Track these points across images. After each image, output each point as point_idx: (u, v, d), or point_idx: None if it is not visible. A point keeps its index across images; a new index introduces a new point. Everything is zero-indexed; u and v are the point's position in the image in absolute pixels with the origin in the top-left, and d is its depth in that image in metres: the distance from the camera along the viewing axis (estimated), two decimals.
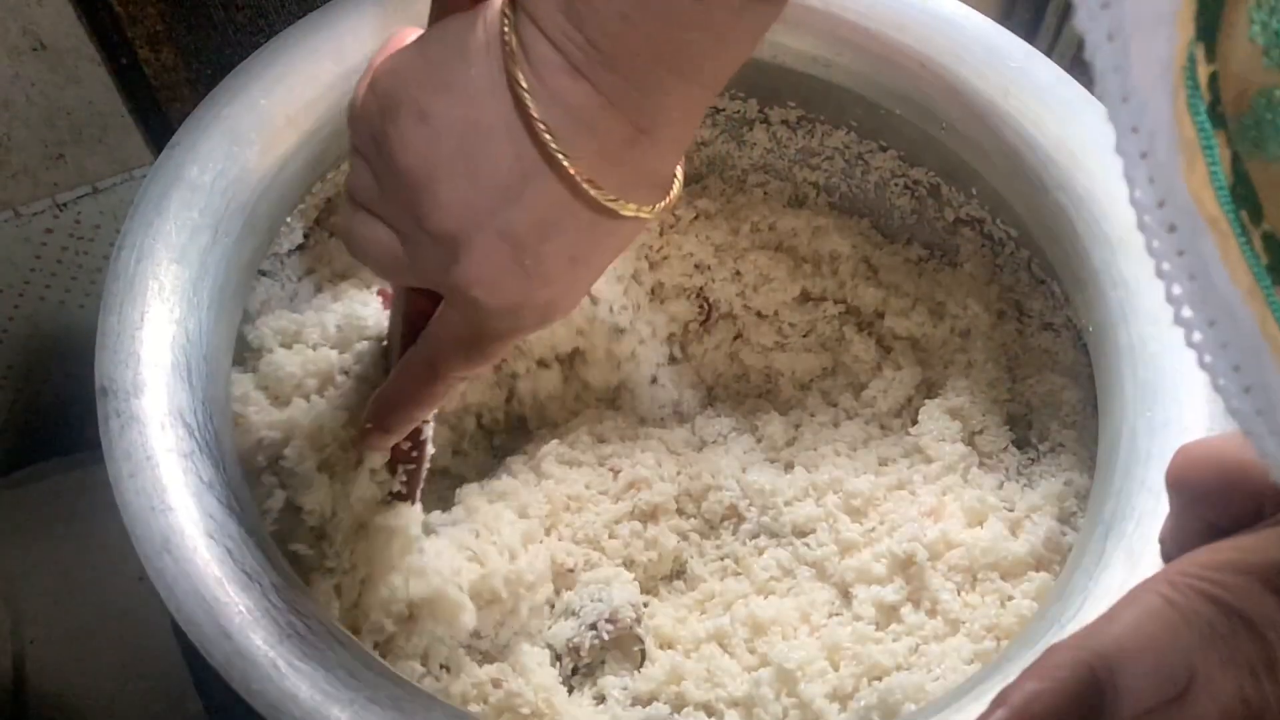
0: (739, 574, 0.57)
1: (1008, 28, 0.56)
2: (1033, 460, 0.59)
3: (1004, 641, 0.50)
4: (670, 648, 0.54)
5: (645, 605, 0.56)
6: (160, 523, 0.41)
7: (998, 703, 0.31)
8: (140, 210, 0.48)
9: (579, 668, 0.53)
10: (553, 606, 0.55)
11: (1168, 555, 0.39)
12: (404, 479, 0.50)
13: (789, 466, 0.61)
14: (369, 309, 0.53)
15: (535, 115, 0.35)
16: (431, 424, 0.50)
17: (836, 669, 0.51)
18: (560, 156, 0.35)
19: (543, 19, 0.34)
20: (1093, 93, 0.49)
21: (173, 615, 0.40)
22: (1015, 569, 0.52)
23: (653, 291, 0.65)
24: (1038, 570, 0.53)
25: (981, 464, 0.59)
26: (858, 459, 0.60)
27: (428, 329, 0.42)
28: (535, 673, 0.50)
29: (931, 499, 0.56)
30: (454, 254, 0.37)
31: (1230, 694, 0.30)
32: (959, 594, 0.53)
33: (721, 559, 0.58)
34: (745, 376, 0.66)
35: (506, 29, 0.35)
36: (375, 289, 0.55)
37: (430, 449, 0.50)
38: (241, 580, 0.41)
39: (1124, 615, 0.32)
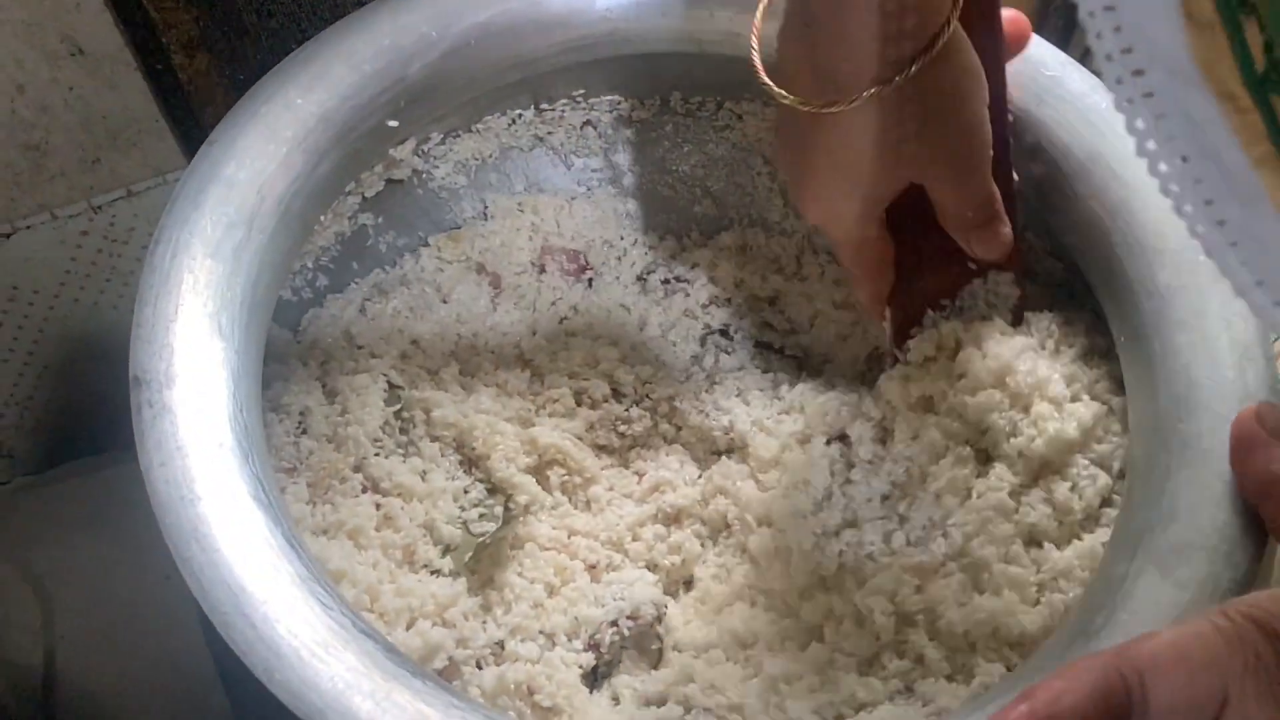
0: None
1: (1041, 36, 0.56)
2: None
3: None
4: (681, 651, 0.54)
5: (665, 607, 0.55)
6: (189, 512, 0.42)
7: (1022, 698, 0.31)
8: (177, 206, 0.48)
9: (599, 666, 0.53)
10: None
11: None
12: None
13: None
14: None
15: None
16: None
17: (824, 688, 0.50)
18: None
19: None
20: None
21: (198, 603, 0.40)
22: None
23: None
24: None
25: None
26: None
27: None
28: (559, 669, 0.50)
29: None
30: None
31: None
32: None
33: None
34: None
35: None
36: None
37: None
38: (267, 570, 0.41)
39: (1167, 633, 0.32)
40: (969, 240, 0.53)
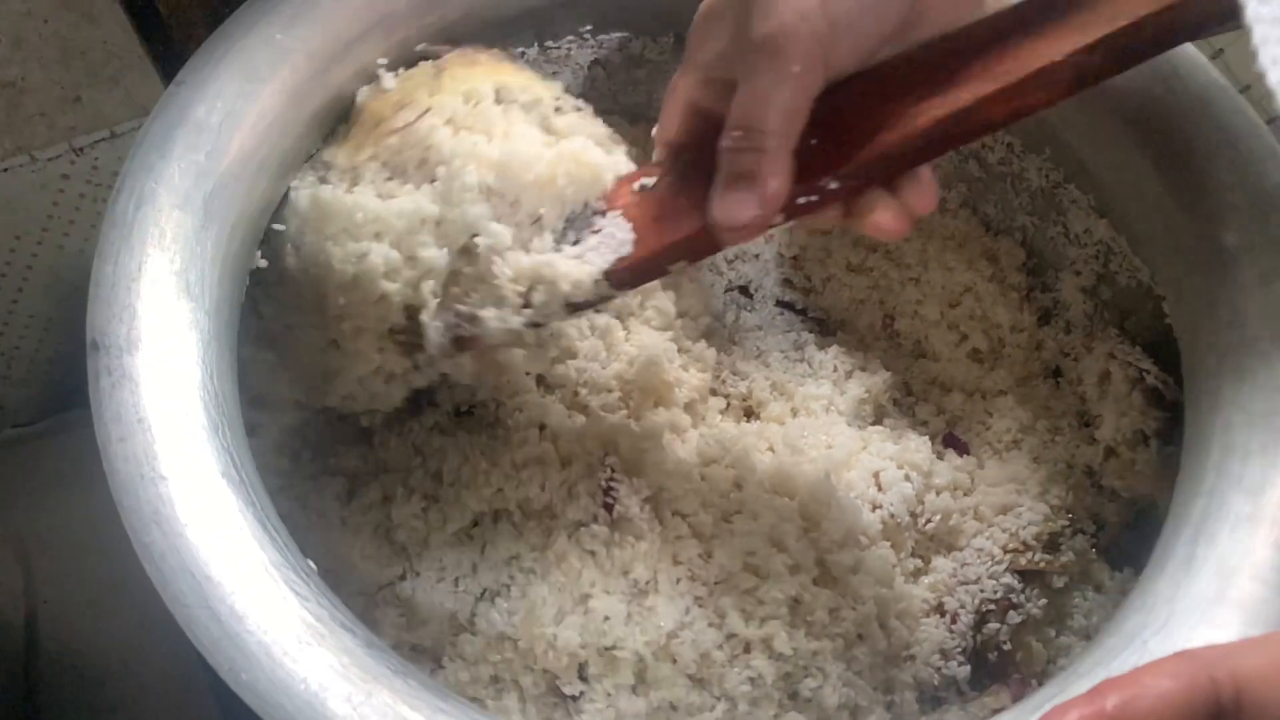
0: None
1: None
2: None
3: None
4: None
5: None
6: (150, 492, 0.37)
7: (1102, 691, 0.27)
8: (141, 152, 0.43)
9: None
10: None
11: None
12: None
13: None
14: None
15: None
16: None
17: None
18: None
19: None
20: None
21: (160, 593, 0.36)
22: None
23: None
24: None
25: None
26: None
27: None
28: None
29: None
30: None
31: None
32: None
33: None
34: None
35: None
36: None
37: None
38: (236, 557, 0.37)
39: (1272, 645, 0.27)
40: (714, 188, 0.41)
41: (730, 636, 0.47)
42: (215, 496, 0.38)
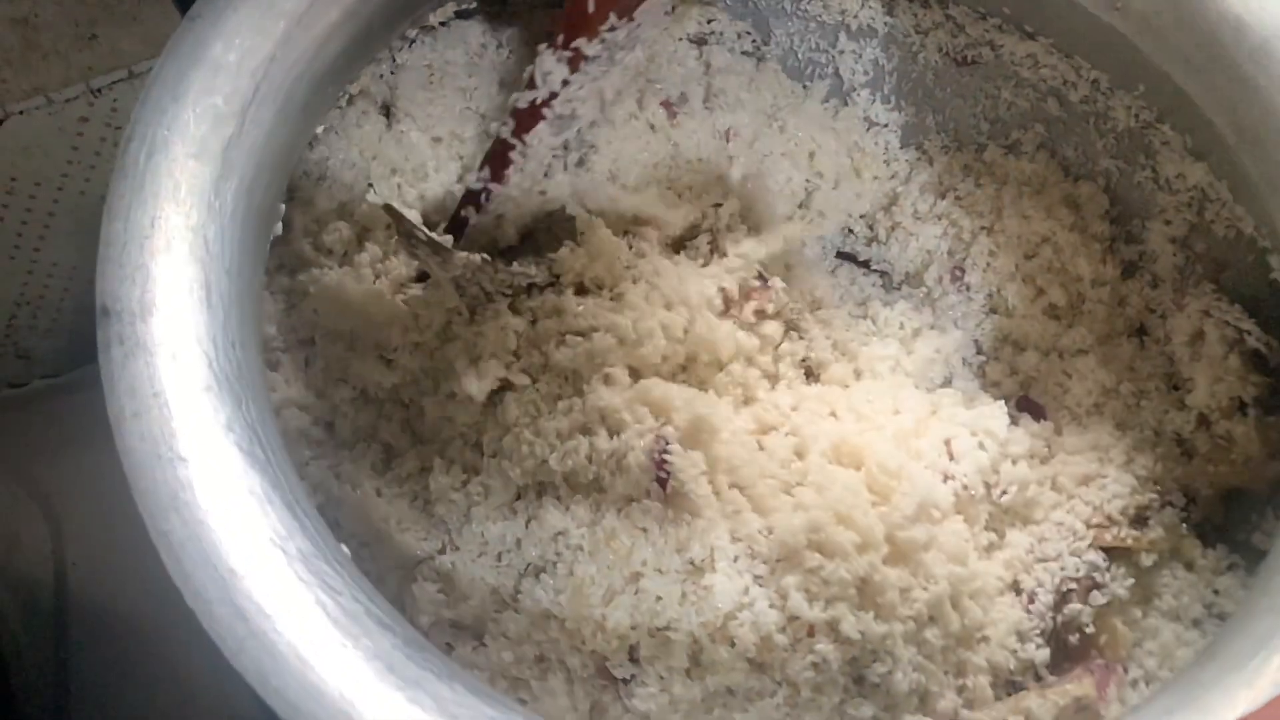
0: None
1: None
2: None
3: None
4: None
5: None
6: (167, 474, 0.34)
7: None
8: (152, 95, 0.39)
9: None
10: None
11: None
12: None
13: None
14: None
15: None
16: None
17: None
18: None
19: None
20: None
21: (179, 588, 0.33)
22: None
23: None
24: None
25: None
26: None
27: None
28: None
29: None
30: None
31: None
32: None
33: None
34: None
35: None
36: None
37: None
38: (263, 548, 0.33)
39: None
40: None
41: (793, 619, 0.43)
42: (239, 480, 0.34)
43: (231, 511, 0.33)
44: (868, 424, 0.48)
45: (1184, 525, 0.48)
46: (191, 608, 0.32)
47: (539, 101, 0.48)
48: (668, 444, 0.45)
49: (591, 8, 0.41)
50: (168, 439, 0.34)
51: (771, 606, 0.43)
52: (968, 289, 0.55)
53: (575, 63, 0.44)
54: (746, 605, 0.43)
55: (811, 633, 0.44)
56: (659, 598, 0.43)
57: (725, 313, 0.50)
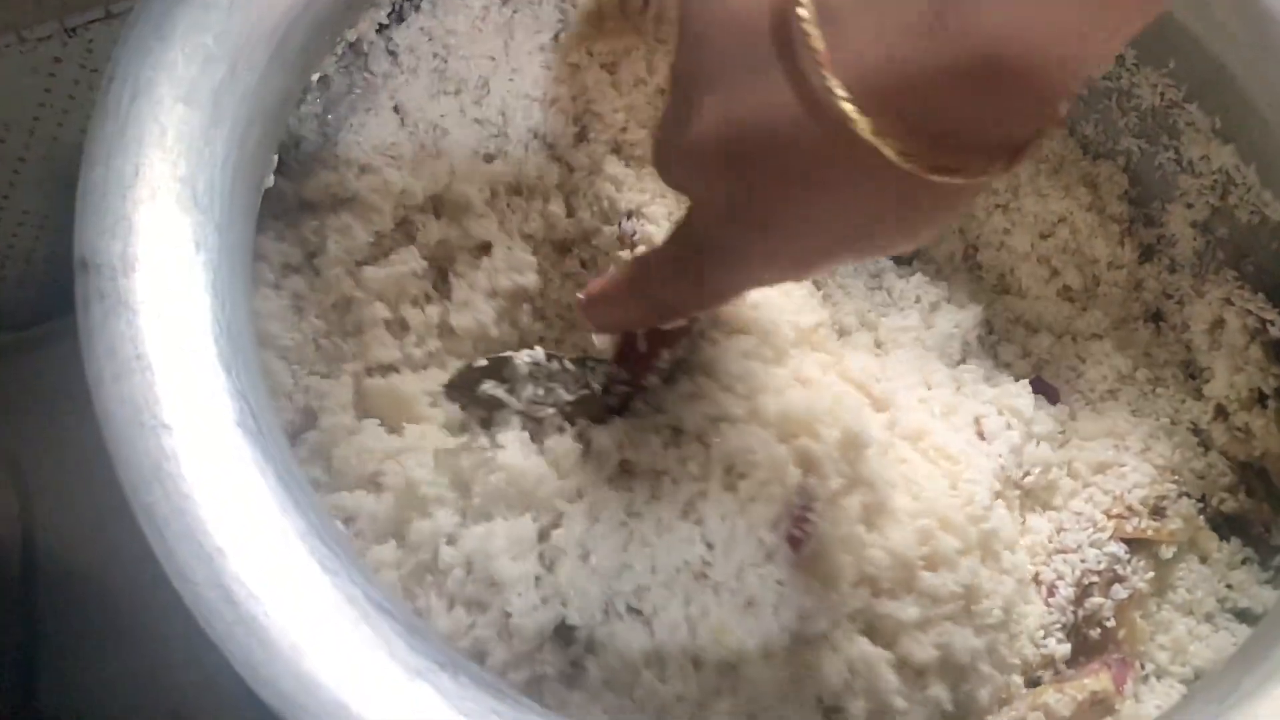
0: None
1: None
2: None
3: None
4: None
5: None
6: (150, 443, 0.31)
7: None
8: (136, 33, 0.35)
9: None
10: None
11: None
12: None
13: None
14: None
15: None
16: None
17: None
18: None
19: None
20: None
21: (162, 566, 0.30)
22: None
23: None
24: None
25: None
26: None
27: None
28: None
29: None
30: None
31: None
32: None
33: None
34: None
35: None
36: None
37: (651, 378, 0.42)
38: (254, 524, 0.30)
39: None
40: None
41: (907, 667, 0.39)
42: (228, 450, 0.31)
43: (220, 484, 0.31)
44: (912, 398, 0.45)
45: (1200, 517, 0.46)
46: (177, 589, 0.29)
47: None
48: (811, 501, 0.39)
49: (643, 347, 0.41)
50: (151, 405, 0.31)
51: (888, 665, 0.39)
52: (978, 268, 0.53)
53: (637, 387, 0.43)
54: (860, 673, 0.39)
55: (923, 676, 0.40)
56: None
57: None
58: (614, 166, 0.48)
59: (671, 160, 0.32)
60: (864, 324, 0.49)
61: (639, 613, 0.38)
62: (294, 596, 0.30)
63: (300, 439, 0.41)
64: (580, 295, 0.40)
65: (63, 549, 0.61)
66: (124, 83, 0.35)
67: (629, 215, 0.47)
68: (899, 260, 0.53)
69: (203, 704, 0.59)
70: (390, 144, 0.46)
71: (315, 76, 0.42)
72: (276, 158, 0.40)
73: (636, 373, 0.42)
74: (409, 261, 0.44)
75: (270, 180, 0.40)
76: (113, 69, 0.35)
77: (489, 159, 0.48)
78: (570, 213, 0.48)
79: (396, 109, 0.47)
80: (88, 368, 0.32)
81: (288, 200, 0.45)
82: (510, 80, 0.49)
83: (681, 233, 0.35)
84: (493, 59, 0.50)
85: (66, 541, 0.61)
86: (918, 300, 0.51)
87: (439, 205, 0.47)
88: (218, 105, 0.35)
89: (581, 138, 0.49)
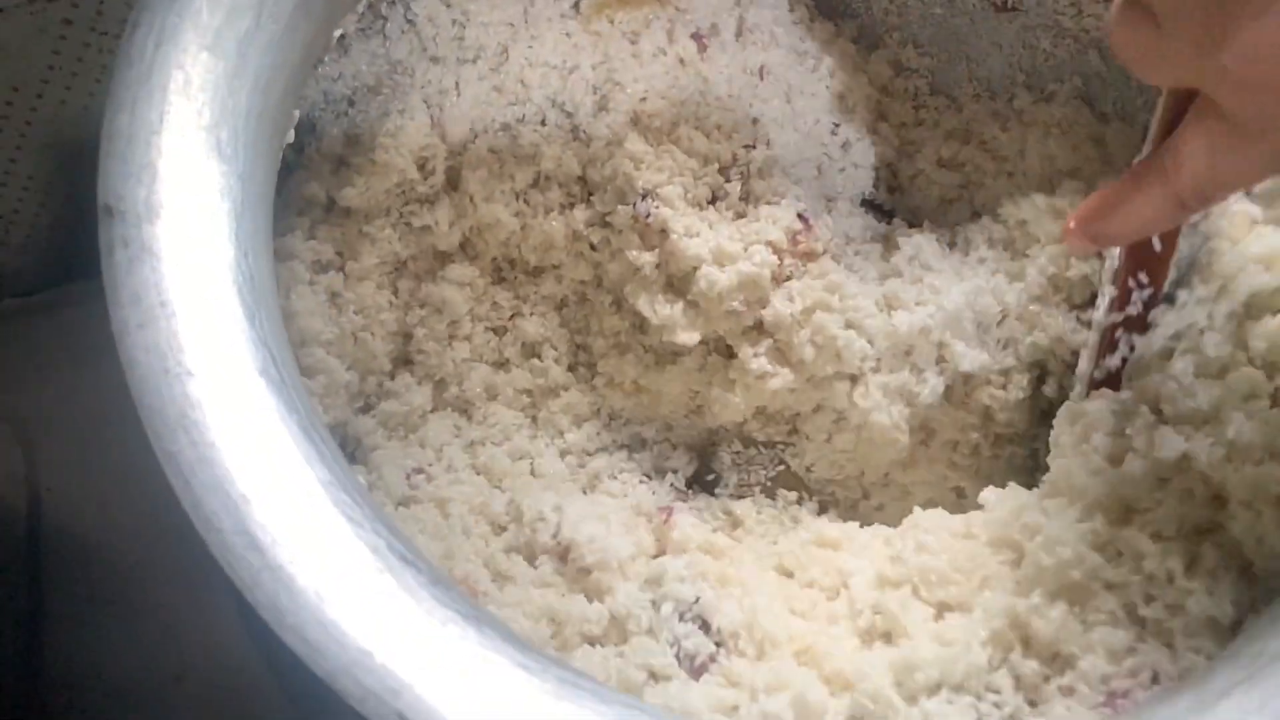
0: None
1: None
2: None
3: None
4: None
5: None
6: (175, 391, 0.30)
7: None
8: None
9: None
10: None
11: None
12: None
13: None
14: None
15: None
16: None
17: None
18: None
19: None
20: None
21: (188, 513, 0.29)
22: None
23: None
24: None
25: None
26: None
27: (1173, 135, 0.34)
28: None
29: None
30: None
31: None
32: None
33: None
34: None
35: None
36: None
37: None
38: (281, 472, 0.30)
39: None
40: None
41: None
42: (253, 399, 0.31)
43: (244, 432, 0.30)
44: None
45: None
46: (202, 536, 0.29)
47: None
48: None
49: (1158, 247, 0.41)
50: (175, 352, 0.31)
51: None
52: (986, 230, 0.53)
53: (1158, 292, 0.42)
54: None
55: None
56: None
57: (780, 265, 0.47)
58: (635, 143, 0.48)
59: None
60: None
61: None
62: (319, 545, 0.29)
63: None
64: (1071, 218, 0.37)
65: (68, 514, 0.60)
66: (149, 29, 0.34)
67: (644, 196, 0.47)
68: (909, 224, 0.53)
69: (205, 668, 0.58)
70: (422, 146, 0.46)
71: (337, 33, 0.42)
72: (297, 113, 0.39)
73: (1156, 276, 0.42)
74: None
75: (290, 135, 0.40)
76: (137, 14, 0.34)
77: (506, 128, 0.48)
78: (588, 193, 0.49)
79: (431, 118, 0.47)
80: (112, 315, 0.31)
81: (317, 200, 0.46)
82: (529, 48, 0.49)
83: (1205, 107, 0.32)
84: (512, 25, 0.49)
85: (72, 506, 0.60)
86: (928, 267, 0.50)
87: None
88: (242, 55, 0.35)
89: (602, 107, 0.49)
